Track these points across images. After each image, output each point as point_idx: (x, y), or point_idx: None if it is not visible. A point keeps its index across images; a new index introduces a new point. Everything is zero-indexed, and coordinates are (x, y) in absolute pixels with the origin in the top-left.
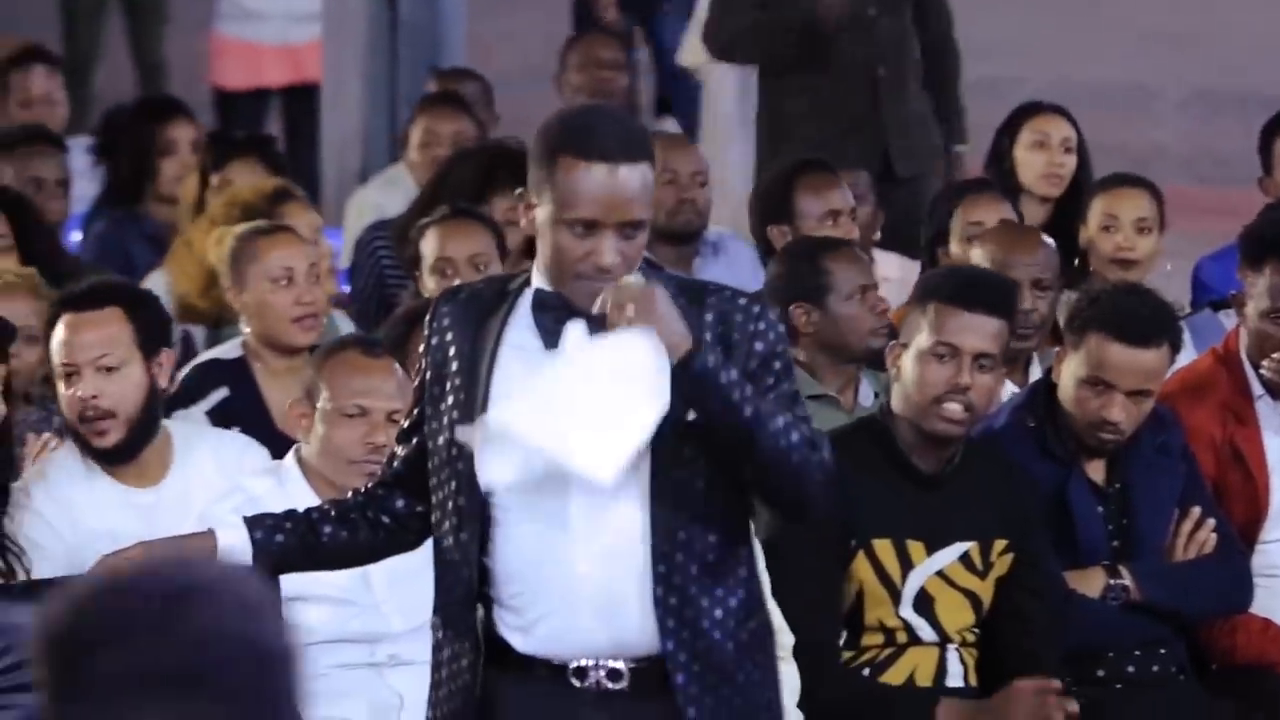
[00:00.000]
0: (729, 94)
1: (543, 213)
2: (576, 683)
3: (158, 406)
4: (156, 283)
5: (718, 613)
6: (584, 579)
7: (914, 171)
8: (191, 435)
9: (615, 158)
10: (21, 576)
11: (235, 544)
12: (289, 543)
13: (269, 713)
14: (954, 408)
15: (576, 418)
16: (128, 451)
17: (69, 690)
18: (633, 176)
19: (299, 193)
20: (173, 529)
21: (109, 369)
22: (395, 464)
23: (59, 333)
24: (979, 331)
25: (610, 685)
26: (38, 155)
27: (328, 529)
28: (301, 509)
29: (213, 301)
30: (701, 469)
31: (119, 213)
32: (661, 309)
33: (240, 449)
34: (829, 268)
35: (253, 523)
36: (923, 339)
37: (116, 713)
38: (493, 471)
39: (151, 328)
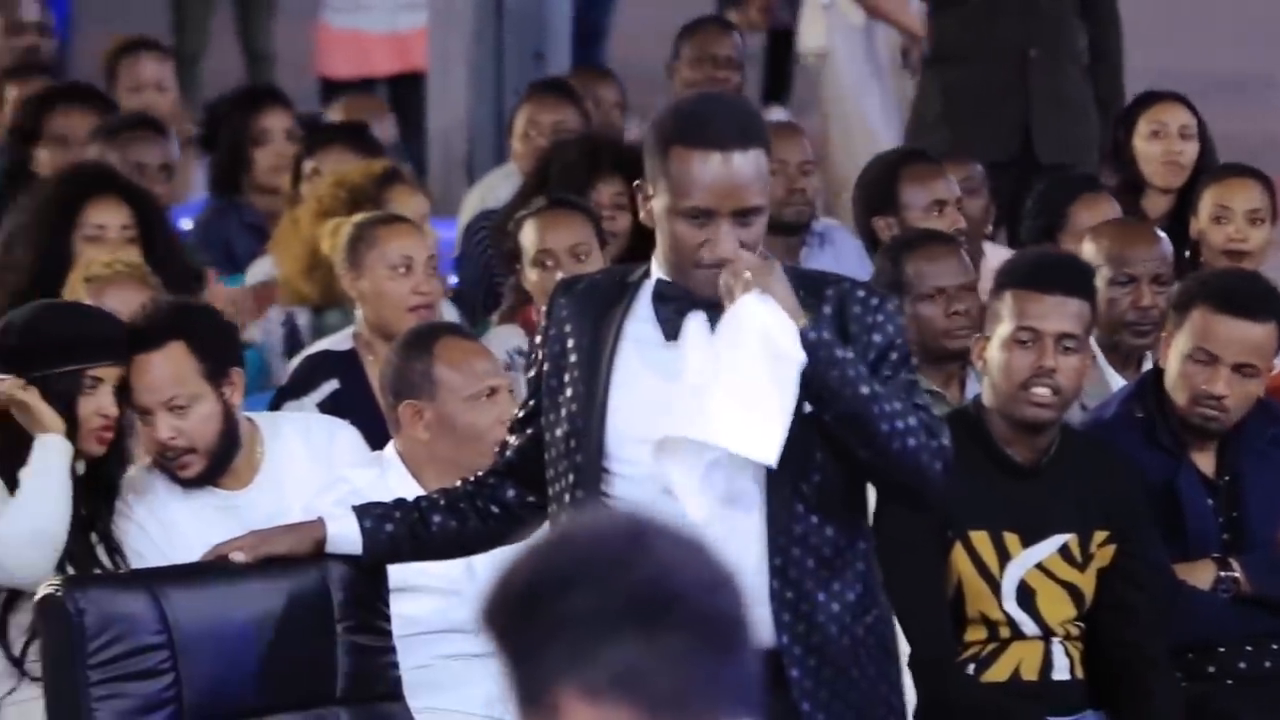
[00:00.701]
0: (846, 79)
1: (659, 203)
2: None
3: (236, 426)
4: (262, 268)
5: (834, 607)
6: None
7: (1059, 159)
8: (279, 424)
9: (727, 145)
10: None
11: (345, 533)
12: (398, 532)
13: (730, 635)
14: (1042, 392)
15: (723, 402)
16: (211, 477)
17: (540, 636)
18: (746, 163)
19: (407, 175)
20: (269, 524)
21: (181, 408)
22: (508, 453)
23: (131, 373)
24: (1059, 313)
25: None
26: (140, 141)
27: (437, 518)
28: (411, 499)
29: (316, 284)
30: (818, 462)
31: (220, 202)
32: (778, 279)
33: (329, 430)
34: (907, 268)
35: (362, 512)
36: (1004, 328)
37: (591, 650)
38: (693, 509)
39: (216, 352)
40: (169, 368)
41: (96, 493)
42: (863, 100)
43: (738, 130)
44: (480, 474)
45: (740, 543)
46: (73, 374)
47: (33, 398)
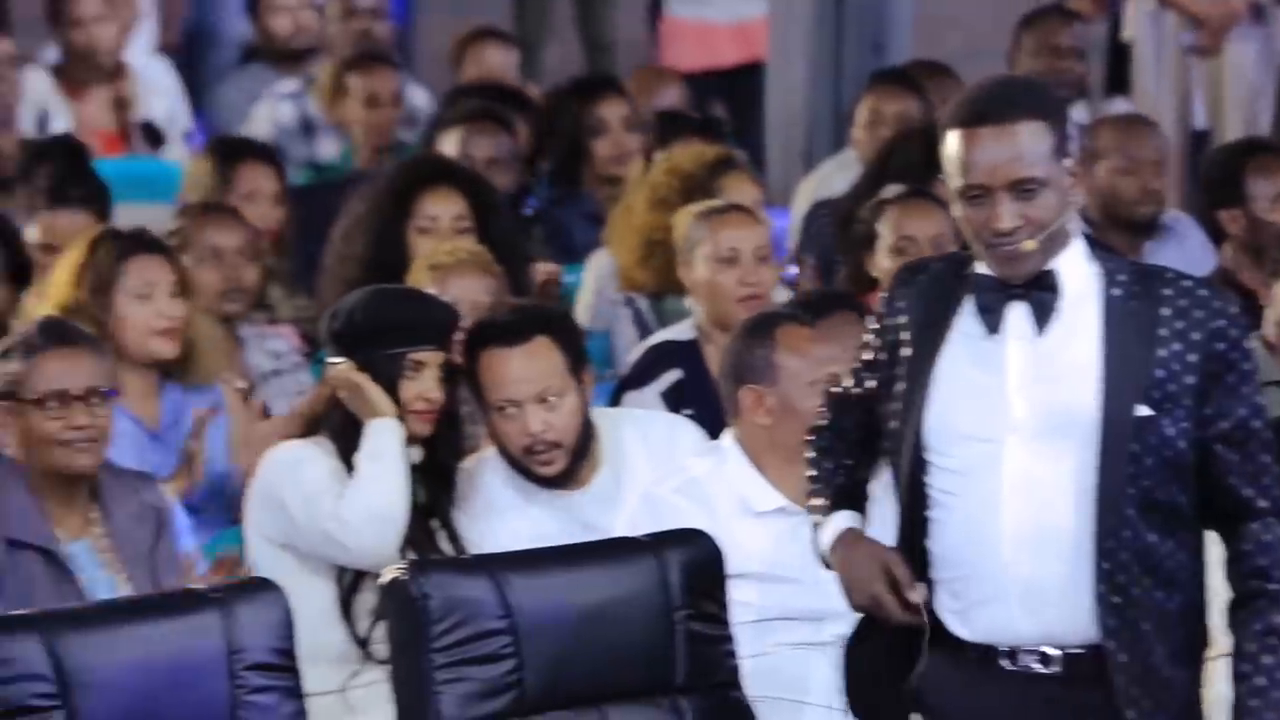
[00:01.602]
0: (1146, 66)
1: (950, 191)
2: (1007, 665)
3: (591, 424)
4: (600, 260)
5: (1159, 615)
6: (1011, 567)
7: None
8: (620, 423)
9: (989, 119)
10: None
11: (852, 523)
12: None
13: None
14: None
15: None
16: (569, 476)
17: None
18: (1013, 135)
19: (741, 162)
20: (605, 526)
21: (550, 401)
22: (851, 432)
23: (492, 367)
24: None
25: (1040, 669)
26: (479, 131)
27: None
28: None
29: (652, 272)
30: (1149, 467)
31: (559, 192)
32: None
33: (669, 428)
34: None
35: (841, 501)
36: None
37: None
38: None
39: (577, 349)
40: (540, 361)
41: (435, 481)
42: (1160, 84)
43: (1005, 103)
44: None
45: (1057, 541)
46: (395, 358)
47: (365, 381)
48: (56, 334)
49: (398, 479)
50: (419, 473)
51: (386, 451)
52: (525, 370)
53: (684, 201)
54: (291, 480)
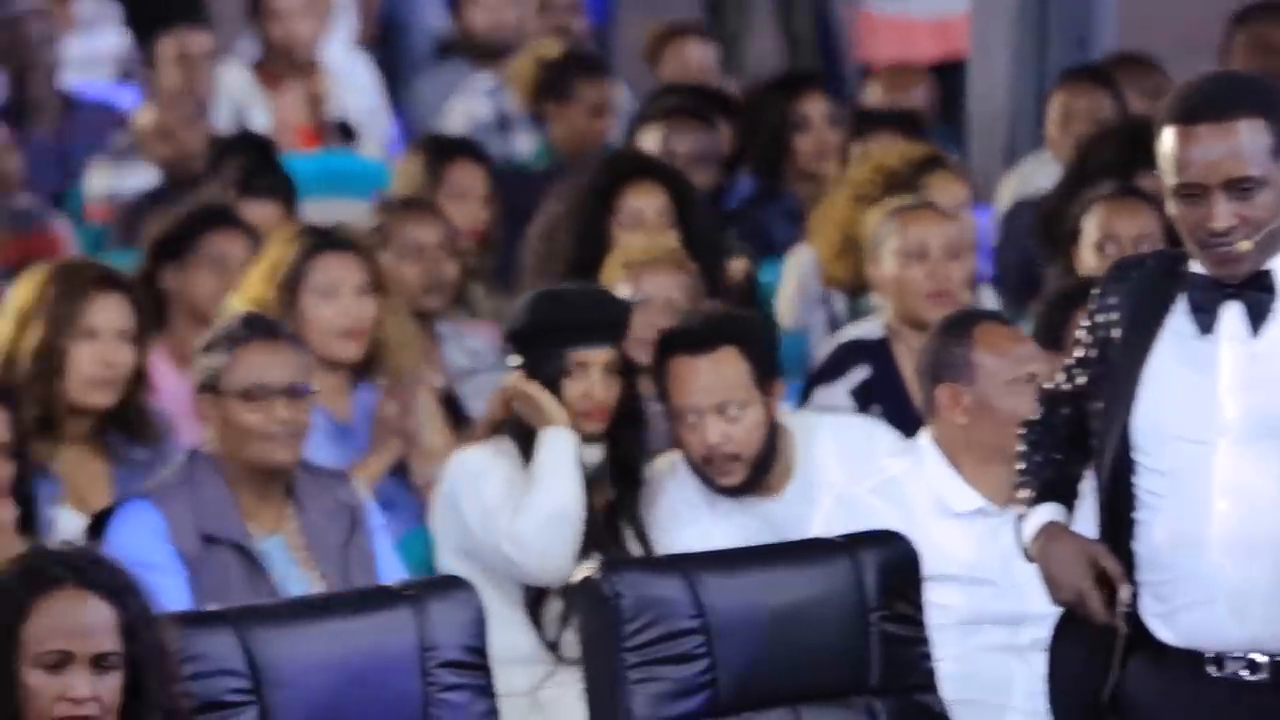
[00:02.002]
0: None
1: (1165, 189)
2: (1213, 671)
3: (777, 435)
4: (802, 256)
5: None
6: (1219, 570)
7: None
8: (813, 429)
9: (1207, 115)
10: None
11: (1056, 516)
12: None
13: None
14: None
15: None
16: (749, 487)
17: None
18: (1230, 132)
19: (949, 161)
20: (798, 532)
21: (732, 414)
22: (1062, 429)
23: (677, 374)
24: None
25: (1248, 676)
26: (681, 127)
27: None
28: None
29: (850, 269)
30: None
31: (760, 189)
32: None
33: (865, 432)
34: None
35: (1048, 494)
36: None
37: None
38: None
39: (766, 361)
40: (722, 372)
41: (621, 479)
42: None
43: (1224, 100)
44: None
45: (1268, 547)
46: (557, 357)
47: (535, 390)
48: (260, 328)
49: (572, 490)
50: (604, 472)
51: (561, 462)
52: (708, 380)
53: (886, 199)
54: (472, 492)
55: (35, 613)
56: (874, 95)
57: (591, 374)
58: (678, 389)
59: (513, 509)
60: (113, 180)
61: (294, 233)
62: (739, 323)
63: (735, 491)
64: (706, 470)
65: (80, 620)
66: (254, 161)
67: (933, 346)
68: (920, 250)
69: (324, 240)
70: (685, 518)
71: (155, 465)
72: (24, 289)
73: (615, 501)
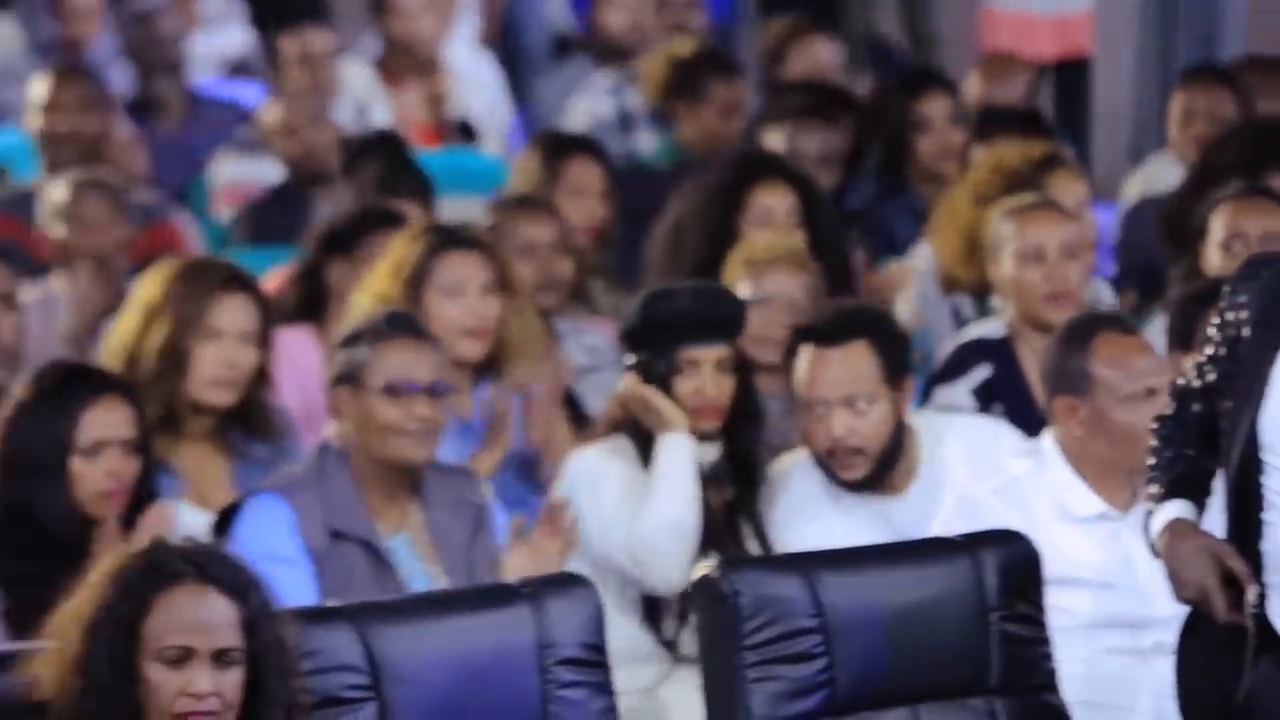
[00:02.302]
0: None
1: None
2: None
3: (902, 434)
4: (921, 255)
5: None
6: None
7: None
8: (940, 430)
9: None
10: None
11: (1184, 513)
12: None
13: None
14: None
15: None
16: (873, 482)
17: None
18: None
19: (1068, 159)
20: (919, 532)
21: (859, 408)
22: (1195, 426)
23: (803, 365)
24: None
25: None
26: (807, 126)
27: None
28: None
29: (974, 271)
30: None
31: (883, 188)
32: None
33: (991, 434)
34: None
35: (1177, 490)
36: None
37: None
38: None
39: (896, 357)
40: (852, 365)
41: (739, 477)
42: None
43: None
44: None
45: None
46: (668, 355)
47: (651, 394)
48: (404, 325)
49: (689, 499)
50: (721, 470)
51: (679, 468)
52: (838, 373)
53: (1006, 199)
54: (590, 496)
55: (157, 608)
56: (975, 87)
57: (703, 371)
58: (807, 380)
59: (630, 516)
60: (239, 169)
61: (419, 230)
62: (872, 317)
63: (858, 487)
64: (830, 464)
65: (201, 616)
66: (391, 161)
67: (1052, 356)
68: (1038, 251)
69: (449, 238)
70: (806, 515)
71: (276, 463)
72: (150, 285)
73: (734, 500)
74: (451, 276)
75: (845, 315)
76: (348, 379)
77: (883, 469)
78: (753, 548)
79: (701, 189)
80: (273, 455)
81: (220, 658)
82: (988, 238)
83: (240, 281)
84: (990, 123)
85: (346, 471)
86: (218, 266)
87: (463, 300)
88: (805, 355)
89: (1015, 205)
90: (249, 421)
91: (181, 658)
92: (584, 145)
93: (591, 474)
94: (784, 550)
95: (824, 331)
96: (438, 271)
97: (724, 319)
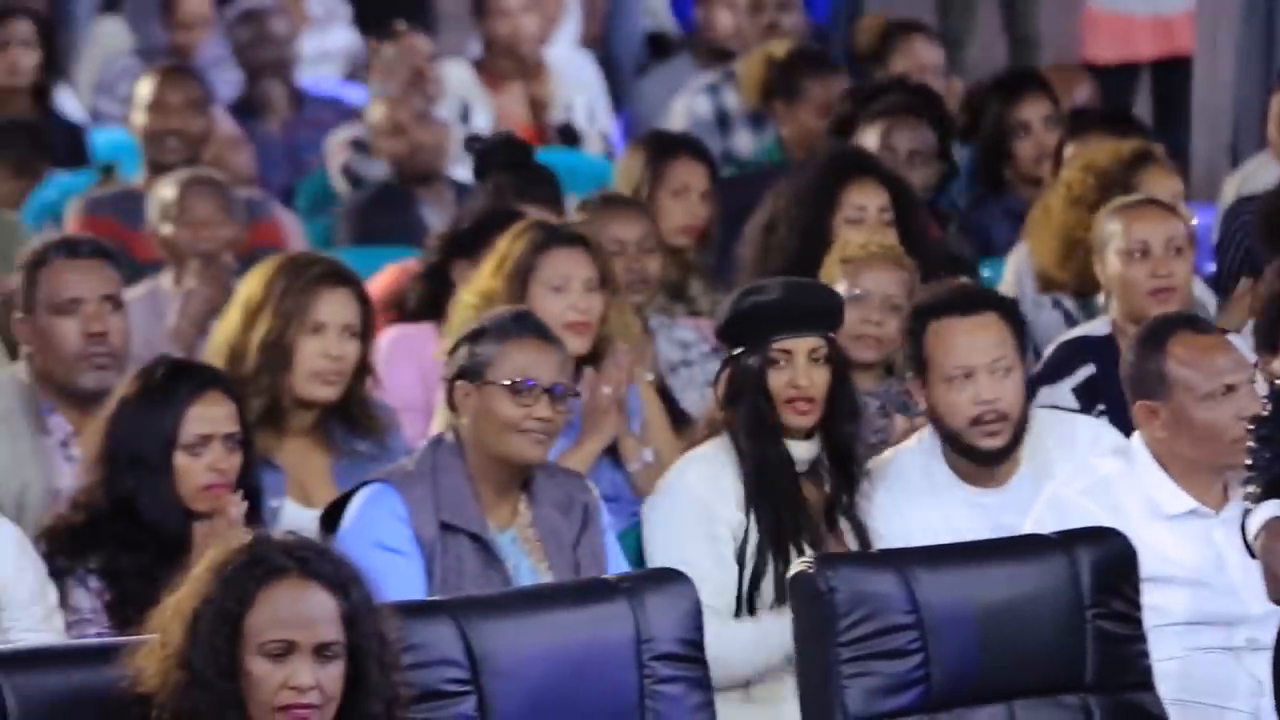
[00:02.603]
0: None
1: None
2: None
3: (1026, 410)
4: (1020, 256)
5: None
6: None
7: None
8: (1045, 426)
9: None
10: None
11: None
12: None
13: None
14: None
15: None
16: (1005, 454)
17: None
18: None
19: (1160, 155)
20: (1013, 525)
21: (1003, 372)
22: None
23: (944, 336)
24: None
25: None
26: (901, 124)
27: None
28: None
29: (1071, 271)
30: None
31: (980, 190)
32: None
33: (1094, 433)
34: None
35: (1274, 490)
36: None
37: None
38: None
39: (1021, 333)
40: (991, 332)
41: (838, 471)
42: None
43: None
44: None
45: None
46: (760, 347)
47: None
48: (531, 325)
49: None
50: (819, 466)
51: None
52: (980, 339)
53: (1102, 198)
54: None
55: (259, 602)
56: None
57: (796, 362)
58: (944, 350)
59: (724, 607)
60: (351, 159)
61: (524, 228)
62: (995, 293)
63: (997, 457)
64: (972, 435)
65: (303, 610)
66: (520, 164)
67: (1129, 360)
68: (1144, 247)
69: (554, 235)
70: (906, 506)
71: (378, 458)
72: (253, 281)
73: (832, 495)
74: (556, 272)
75: (969, 290)
76: (470, 373)
77: (1014, 442)
78: (851, 543)
79: (794, 187)
80: (374, 451)
81: (322, 651)
82: (1092, 236)
83: (341, 276)
84: (1082, 122)
85: (460, 465)
86: (319, 261)
87: (567, 296)
88: (940, 328)
89: (1121, 203)
90: (350, 416)
91: (284, 651)
92: (688, 145)
93: (677, 513)
94: (883, 543)
95: (957, 303)
96: (543, 267)
97: (816, 310)
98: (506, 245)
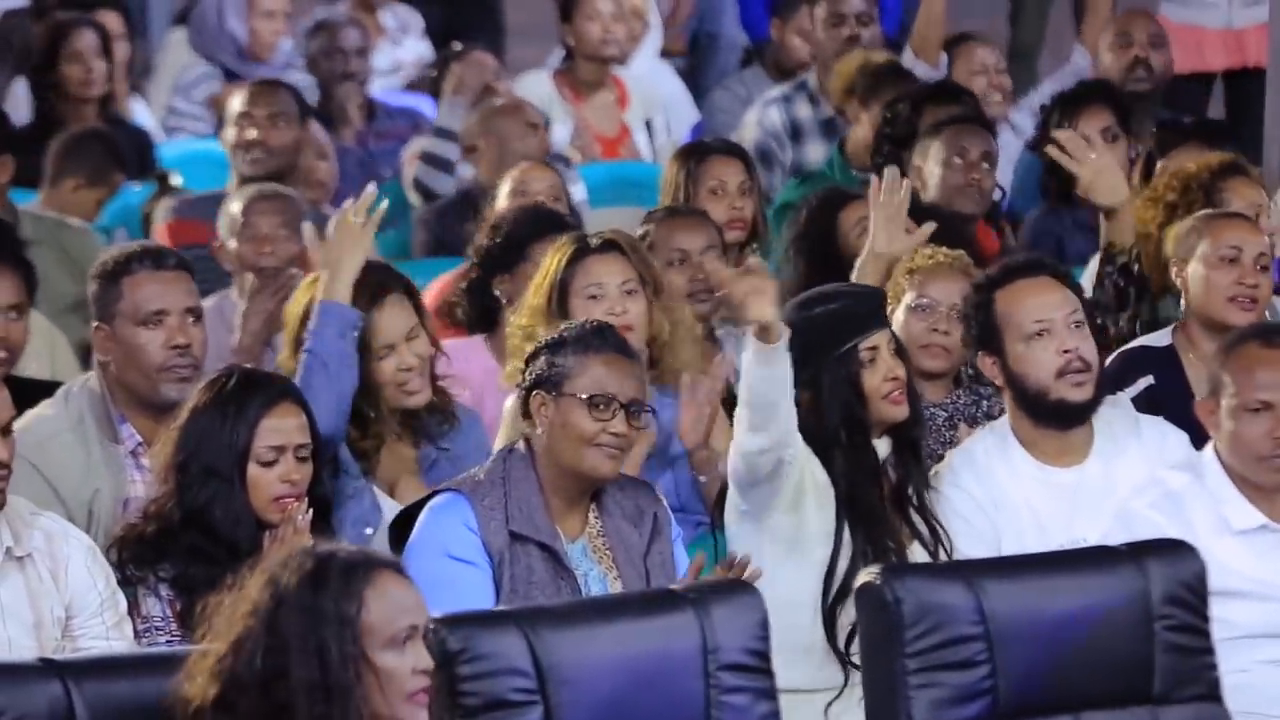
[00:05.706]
0: None
1: None
2: None
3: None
4: (1091, 268)
5: None
6: None
7: None
8: (1115, 419)
9: None
10: (942, 555)
11: None
12: None
13: None
14: None
15: None
16: (1089, 409)
17: None
18: None
19: (1247, 167)
20: (1092, 509)
21: (1077, 325)
22: None
23: (1018, 298)
24: None
25: None
26: (965, 132)
27: None
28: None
29: (1152, 281)
30: None
31: (1052, 201)
32: None
33: (1161, 434)
34: None
35: None
36: None
37: None
38: None
39: (1080, 295)
40: (1059, 290)
41: (907, 460)
42: None
43: None
44: None
45: None
46: (848, 353)
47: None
48: (612, 340)
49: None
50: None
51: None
52: (1052, 295)
53: (1185, 207)
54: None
55: (370, 599)
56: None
57: (882, 355)
58: (1020, 310)
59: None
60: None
61: (561, 244)
62: (1043, 259)
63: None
64: (1059, 387)
65: (411, 595)
66: None
67: (1210, 362)
68: (1233, 255)
69: (585, 246)
70: (984, 483)
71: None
72: (306, 294)
73: (904, 490)
74: (591, 280)
75: (1026, 257)
76: (547, 384)
77: (1095, 401)
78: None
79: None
80: (452, 442)
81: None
82: (1175, 242)
83: (389, 284)
84: (1168, 136)
85: (531, 475)
86: (372, 272)
87: (604, 302)
88: (1009, 293)
89: (1212, 213)
90: (431, 405)
91: (409, 637)
92: (720, 146)
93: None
94: (963, 527)
95: (1018, 268)
96: (578, 278)
97: (878, 305)
98: (547, 261)
